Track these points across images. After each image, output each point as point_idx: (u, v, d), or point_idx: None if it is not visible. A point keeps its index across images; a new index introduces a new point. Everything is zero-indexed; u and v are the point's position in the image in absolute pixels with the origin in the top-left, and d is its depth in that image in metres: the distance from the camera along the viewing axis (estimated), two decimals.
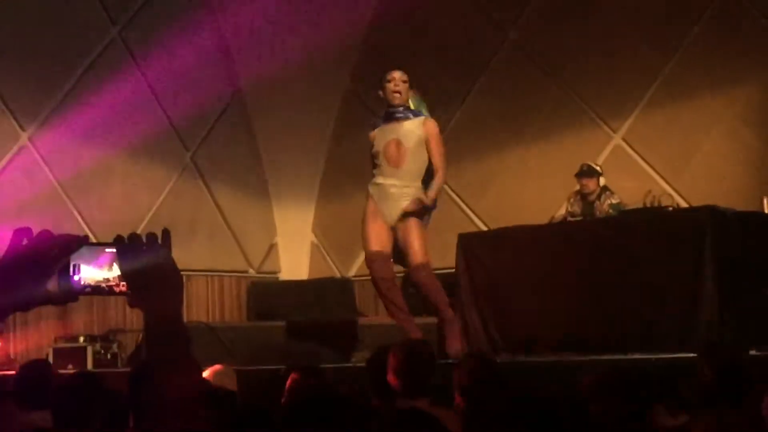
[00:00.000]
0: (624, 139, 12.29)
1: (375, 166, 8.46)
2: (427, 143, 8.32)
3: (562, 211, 10.64)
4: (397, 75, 8.37)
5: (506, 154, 12.96)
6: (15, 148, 12.18)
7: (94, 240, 2.08)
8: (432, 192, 8.27)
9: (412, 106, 8.44)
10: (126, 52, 13.08)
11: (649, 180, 11.59)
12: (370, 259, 8.34)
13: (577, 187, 10.62)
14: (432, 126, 8.39)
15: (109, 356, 11.43)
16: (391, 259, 8.40)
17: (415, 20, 13.63)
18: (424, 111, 8.47)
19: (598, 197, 10.42)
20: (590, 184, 10.49)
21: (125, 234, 2.09)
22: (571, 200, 10.61)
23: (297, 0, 13.35)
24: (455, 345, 8.18)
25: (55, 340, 11.67)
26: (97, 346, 11.43)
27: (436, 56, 13.50)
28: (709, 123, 11.74)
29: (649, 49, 12.15)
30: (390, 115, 8.40)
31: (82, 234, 2.10)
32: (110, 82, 12.79)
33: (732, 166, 11.53)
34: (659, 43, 12.12)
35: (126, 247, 2.01)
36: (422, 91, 8.79)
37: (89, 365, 11.10)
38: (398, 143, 8.28)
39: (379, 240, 8.29)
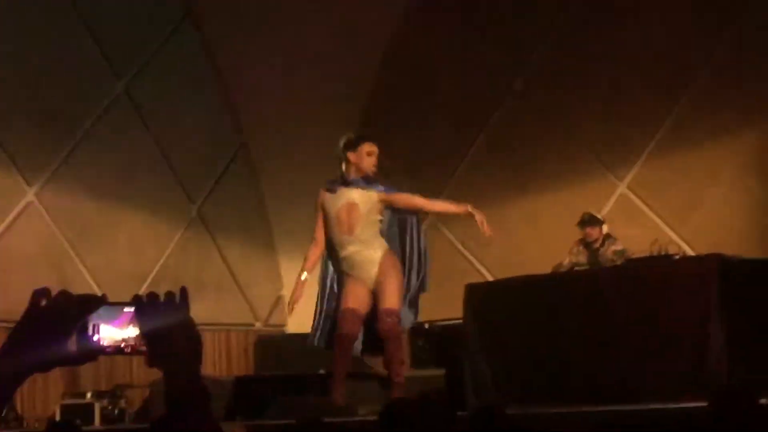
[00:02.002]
0: (629, 188, 12.31)
1: (329, 236, 8.33)
2: (390, 203, 8.29)
3: (566, 261, 10.61)
4: (377, 150, 8.27)
5: (512, 204, 12.97)
6: (21, 204, 12.21)
7: (110, 299, 2.09)
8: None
9: None
10: (131, 106, 13.14)
11: (655, 228, 11.59)
12: (343, 316, 8.15)
13: (581, 236, 10.63)
14: (386, 194, 8.29)
15: (116, 412, 11.37)
16: (362, 321, 8.25)
17: (419, 74, 13.70)
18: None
19: (602, 245, 10.44)
20: (593, 233, 10.52)
21: (136, 291, 2.10)
22: (575, 250, 10.60)
23: (303, 56, 13.41)
24: None
25: (63, 396, 11.63)
26: (105, 402, 11.37)
27: (440, 108, 13.57)
28: (714, 171, 11.76)
29: (653, 98, 12.20)
30: (349, 182, 8.26)
31: (99, 294, 2.11)
32: (115, 137, 12.87)
33: (738, 214, 11.54)
34: (663, 93, 12.17)
35: (145, 306, 2.02)
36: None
37: (97, 421, 11.05)
38: (350, 207, 8.19)
39: (356, 298, 8.17)
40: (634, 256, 9.41)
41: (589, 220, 10.58)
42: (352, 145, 8.30)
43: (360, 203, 8.18)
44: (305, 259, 8.57)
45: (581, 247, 10.58)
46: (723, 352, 7.33)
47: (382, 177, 8.33)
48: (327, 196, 8.32)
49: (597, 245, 10.47)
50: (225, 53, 13.71)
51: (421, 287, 8.58)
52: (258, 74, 13.54)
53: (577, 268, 10.27)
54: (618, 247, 10.27)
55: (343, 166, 8.33)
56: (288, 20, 13.14)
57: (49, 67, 12.45)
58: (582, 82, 12.60)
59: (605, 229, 10.58)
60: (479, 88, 13.44)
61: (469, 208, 8.37)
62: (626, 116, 12.30)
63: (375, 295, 8.20)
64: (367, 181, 8.26)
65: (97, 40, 12.86)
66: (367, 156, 8.24)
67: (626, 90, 12.34)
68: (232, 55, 13.63)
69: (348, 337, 8.15)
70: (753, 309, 7.58)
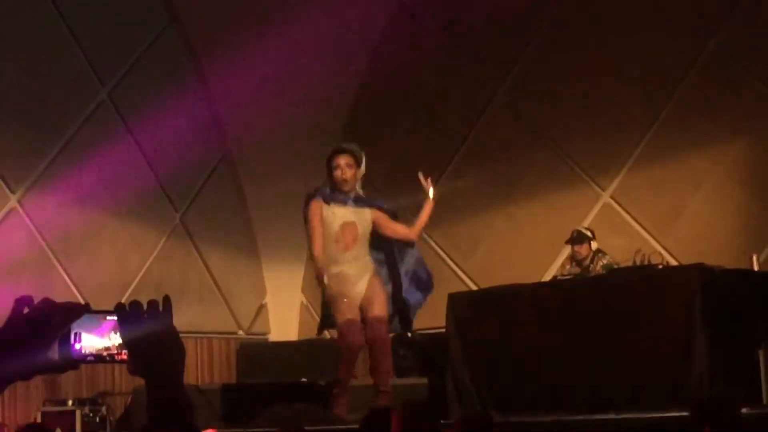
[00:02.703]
0: (613, 198, 12.32)
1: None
2: (378, 227, 8.36)
3: (557, 275, 10.62)
4: (342, 161, 8.28)
5: (495, 213, 12.99)
6: (4, 211, 12.15)
7: (93, 307, 2.08)
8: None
9: (358, 188, 8.44)
10: (115, 114, 13.10)
11: (638, 238, 11.60)
12: (346, 328, 8.21)
13: (570, 254, 10.64)
14: (379, 214, 8.41)
15: (98, 419, 11.34)
16: (362, 331, 8.31)
17: (404, 82, 13.71)
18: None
19: (591, 260, 10.44)
20: (582, 250, 10.51)
21: (119, 299, 2.11)
22: (567, 268, 10.63)
23: (286, 65, 13.40)
24: None
25: (44, 404, 11.59)
26: (86, 409, 11.34)
27: (425, 117, 13.58)
28: (696, 180, 11.79)
29: (636, 107, 12.23)
30: (343, 199, 8.34)
31: (82, 302, 2.11)
32: (100, 144, 12.80)
33: (720, 224, 11.57)
34: (646, 102, 12.20)
35: (127, 314, 2.01)
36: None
37: (78, 429, 11.01)
38: (353, 227, 8.28)
39: (351, 310, 8.24)
40: (618, 266, 9.44)
41: (578, 238, 10.58)
42: (327, 165, 8.40)
43: (357, 223, 8.29)
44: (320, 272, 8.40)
45: (573, 264, 10.60)
46: (705, 362, 7.35)
47: (348, 185, 8.33)
48: (324, 208, 8.33)
49: (587, 262, 10.48)
50: (210, 61, 13.68)
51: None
52: (242, 83, 13.51)
53: (559, 278, 10.28)
54: (605, 260, 10.28)
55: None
56: (273, 30, 13.12)
57: (32, 72, 12.41)
58: (565, 92, 12.61)
59: (594, 245, 10.57)
60: (462, 97, 13.44)
61: (430, 200, 8.54)
62: (609, 126, 12.32)
63: (363, 307, 8.27)
64: (359, 200, 8.33)
65: (81, 47, 12.81)
66: (333, 170, 8.32)
67: (609, 100, 12.36)
68: (216, 62, 13.60)
69: (356, 345, 8.26)
70: (735, 319, 7.61)
